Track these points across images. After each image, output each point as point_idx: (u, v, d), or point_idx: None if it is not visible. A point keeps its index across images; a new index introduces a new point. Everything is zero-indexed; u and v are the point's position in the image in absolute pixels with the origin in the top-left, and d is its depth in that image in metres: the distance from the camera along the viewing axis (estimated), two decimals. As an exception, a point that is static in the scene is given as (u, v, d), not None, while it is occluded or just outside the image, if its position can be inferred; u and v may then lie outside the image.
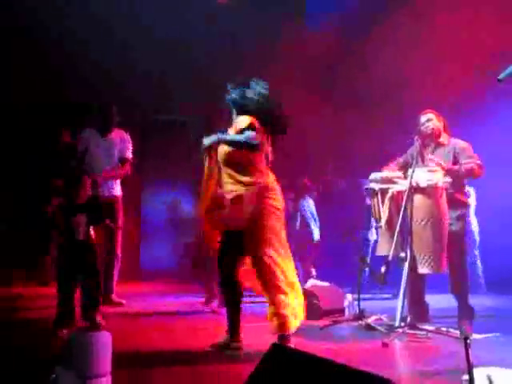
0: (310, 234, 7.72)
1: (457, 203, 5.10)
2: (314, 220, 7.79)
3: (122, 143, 6.35)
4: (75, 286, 4.70)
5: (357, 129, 7.98)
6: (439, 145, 5.23)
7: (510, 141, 6.56)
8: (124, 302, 6.25)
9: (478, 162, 5.08)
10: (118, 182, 6.38)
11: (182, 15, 8.15)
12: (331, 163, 9.48)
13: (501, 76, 2.54)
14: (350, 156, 8.62)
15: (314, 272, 7.42)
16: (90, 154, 6.16)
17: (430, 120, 5.23)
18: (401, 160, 5.34)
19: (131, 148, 6.40)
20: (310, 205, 7.78)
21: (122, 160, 6.34)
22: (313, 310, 5.57)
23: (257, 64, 8.09)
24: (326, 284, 6.16)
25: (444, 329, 4.68)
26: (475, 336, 4.43)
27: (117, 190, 6.35)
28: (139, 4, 8.21)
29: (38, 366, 3.54)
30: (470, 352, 2.39)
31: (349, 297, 5.70)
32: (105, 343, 3.23)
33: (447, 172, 4.93)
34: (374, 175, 5.08)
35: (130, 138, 6.45)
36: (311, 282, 6.08)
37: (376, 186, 4.98)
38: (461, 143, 5.21)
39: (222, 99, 4.29)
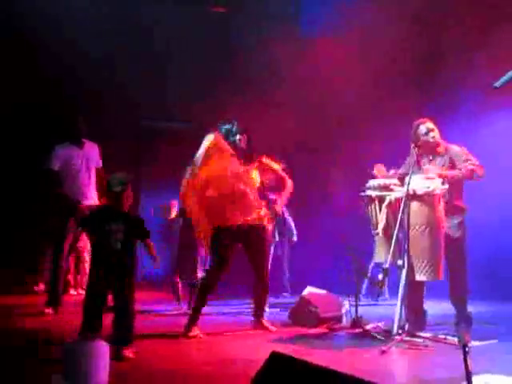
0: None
1: (456, 210, 5.11)
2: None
3: (96, 153, 6.52)
4: (104, 302, 4.18)
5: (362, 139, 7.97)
6: (437, 154, 5.25)
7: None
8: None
9: (477, 162, 5.11)
10: (95, 191, 6.48)
11: (178, 23, 8.17)
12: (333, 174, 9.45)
13: (497, 83, 2.54)
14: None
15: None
16: (68, 167, 6.28)
17: (432, 130, 5.22)
18: (400, 171, 5.33)
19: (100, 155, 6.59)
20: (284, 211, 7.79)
21: (98, 170, 6.50)
22: (310, 317, 5.56)
23: (253, 72, 8.14)
24: (323, 291, 6.15)
25: (442, 336, 4.67)
26: (474, 343, 4.42)
27: (95, 199, 6.43)
28: (135, 8, 8.23)
29: (36, 375, 3.53)
30: (468, 359, 2.38)
31: (346, 304, 5.69)
32: (102, 353, 3.22)
33: (448, 178, 4.94)
34: (370, 182, 5.09)
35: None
36: (308, 290, 6.06)
37: (373, 193, 4.99)
38: (456, 148, 5.24)
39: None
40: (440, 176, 4.95)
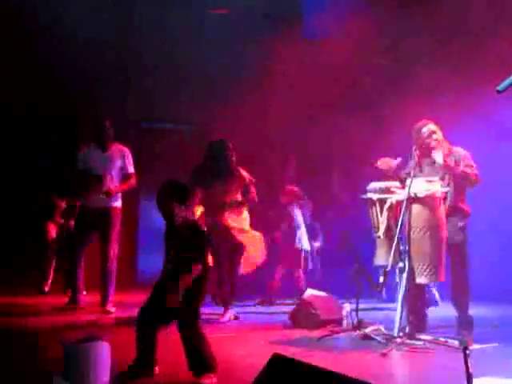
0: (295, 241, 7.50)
1: (460, 213, 5.10)
2: (299, 228, 7.61)
3: (123, 158, 6.42)
4: (158, 327, 3.70)
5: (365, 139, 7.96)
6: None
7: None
8: (112, 310, 6.24)
9: (476, 171, 5.10)
10: (119, 194, 6.43)
11: (176, 26, 8.18)
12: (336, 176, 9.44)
13: (500, 87, 2.54)
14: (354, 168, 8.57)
15: (302, 282, 7.30)
16: (90, 170, 6.29)
17: (434, 132, 5.19)
18: (403, 174, 5.32)
19: (131, 162, 6.47)
20: (296, 213, 7.61)
21: (127, 175, 6.43)
22: (311, 319, 5.57)
23: (255, 74, 8.14)
24: (324, 294, 6.14)
25: (443, 339, 4.66)
26: (474, 346, 4.42)
27: (116, 201, 6.39)
28: (130, 13, 8.24)
29: (37, 376, 3.54)
30: (469, 362, 2.38)
31: (347, 307, 5.68)
32: (103, 354, 3.23)
33: (448, 168, 4.96)
34: (372, 185, 5.08)
35: (123, 144, 6.56)
36: (309, 292, 6.06)
37: (374, 196, 4.99)
38: (461, 151, 5.20)
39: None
40: (445, 164, 4.95)
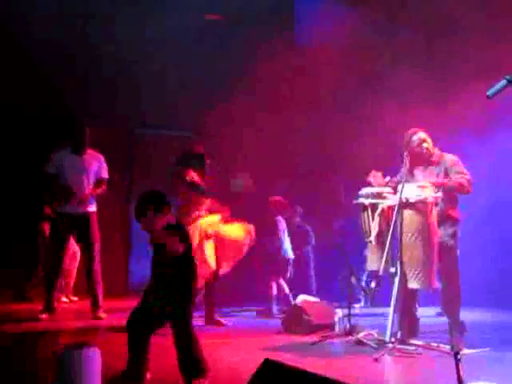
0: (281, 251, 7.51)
1: (450, 220, 5.13)
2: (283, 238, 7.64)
3: (99, 164, 6.47)
4: (150, 332, 3.64)
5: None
6: (431, 163, 5.27)
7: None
8: (103, 316, 6.21)
9: (468, 177, 5.12)
10: (93, 199, 6.44)
11: (170, 31, 8.18)
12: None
13: (489, 92, 2.56)
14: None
15: (286, 289, 7.33)
16: (65, 174, 6.28)
17: (424, 141, 5.23)
18: (395, 179, 5.35)
19: (106, 168, 6.52)
20: (279, 224, 7.63)
21: (100, 180, 6.47)
22: (303, 325, 5.57)
23: (245, 80, 8.15)
24: (316, 299, 6.15)
25: (434, 344, 4.67)
26: (466, 351, 4.43)
27: (91, 206, 6.40)
28: (125, 16, 8.22)
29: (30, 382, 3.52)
30: (460, 367, 2.39)
31: (339, 312, 5.69)
32: (94, 360, 3.21)
33: (436, 185, 4.98)
34: (364, 190, 5.10)
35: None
36: (302, 298, 6.07)
37: (366, 201, 5.00)
38: (451, 158, 5.25)
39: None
40: (432, 184, 4.98)
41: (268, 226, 7.44)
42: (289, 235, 7.57)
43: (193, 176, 5.89)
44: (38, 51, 7.54)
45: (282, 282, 7.31)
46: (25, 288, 7.56)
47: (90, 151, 6.46)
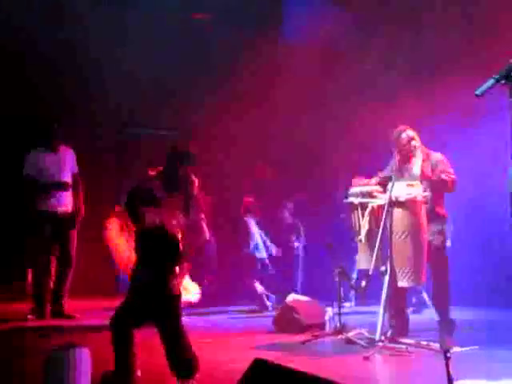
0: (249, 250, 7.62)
1: (437, 217, 5.16)
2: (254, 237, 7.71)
3: (72, 159, 6.47)
4: (133, 329, 3.58)
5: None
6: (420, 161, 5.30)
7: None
8: (77, 315, 6.21)
9: (453, 176, 5.16)
10: (71, 197, 6.41)
11: (156, 31, 8.16)
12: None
13: (478, 91, 2.57)
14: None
15: (258, 288, 7.37)
16: (43, 173, 6.24)
17: (412, 139, 5.26)
18: (381, 175, 5.37)
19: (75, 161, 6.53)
20: (250, 224, 7.69)
21: (74, 175, 6.45)
22: (294, 324, 5.57)
23: (232, 79, 8.16)
24: (306, 298, 6.16)
25: (424, 342, 4.69)
26: (456, 349, 4.45)
27: (70, 205, 6.38)
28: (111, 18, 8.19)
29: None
30: (450, 365, 2.40)
31: (329, 311, 5.70)
32: (83, 360, 3.20)
33: (424, 178, 5.02)
34: (353, 189, 5.12)
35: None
36: (292, 297, 6.07)
37: (355, 200, 5.01)
38: (437, 156, 5.29)
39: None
40: (422, 175, 5.01)
41: (242, 226, 7.54)
42: (280, 232, 7.63)
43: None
44: (20, 55, 7.50)
45: (253, 281, 7.37)
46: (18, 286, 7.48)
47: (62, 147, 6.42)
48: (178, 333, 3.54)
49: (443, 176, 5.09)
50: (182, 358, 3.50)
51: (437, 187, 5.15)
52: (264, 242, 7.73)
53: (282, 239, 7.86)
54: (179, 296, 3.64)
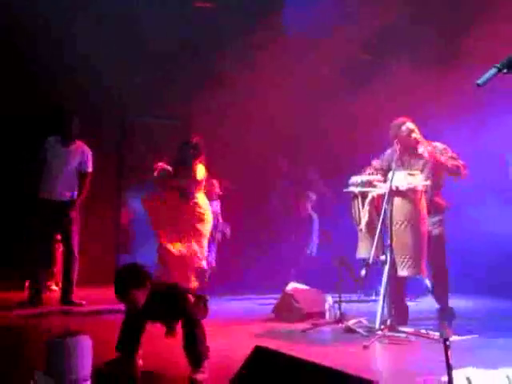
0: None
1: (437, 207, 5.17)
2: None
3: (83, 156, 6.46)
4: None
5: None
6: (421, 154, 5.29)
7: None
8: (84, 302, 6.23)
9: (462, 162, 5.17)
10: (73, 191, 6.44)
11: (159, 19, 8.10)
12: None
13: (480, 80, 2.56)
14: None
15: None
16: (48, 163, 6.32)
17: (412, 131, 5.26)
18: (376, 164, 5.37)
19: (91, 160, 6.51)
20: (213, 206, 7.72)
21: (83, 174, 6.45)
22: (294, 312, 5.59)
23: (232, 66, 8.12)
24: (306, 287, 6.17)
25: (424, 331, 4.71)
26: (455, 338, 4.47)
27: (73, 194, 6.41)
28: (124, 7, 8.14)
29: (18, 370, 3.51)
30: (449, 353, 2.41)
31: (329, 299, 5.72)
32: (84, 347, 3.21)
33: (436, 163, 5.01)
34: (354, 178, 5.12)
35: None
36: (292, 285, 6.08)
37: (356, 190, 5.01)
38: (440, 146, 5.29)
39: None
40: (431, 155, 5.01)
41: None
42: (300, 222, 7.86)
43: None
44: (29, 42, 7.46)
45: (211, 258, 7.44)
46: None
47: (78, 143, 6.45)
48: (194, 321, 3.58)
49: (455, 162, 5.11)
50: (198, 345, 3.52)
51: (451, 171, 5.15)
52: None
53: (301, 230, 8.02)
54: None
